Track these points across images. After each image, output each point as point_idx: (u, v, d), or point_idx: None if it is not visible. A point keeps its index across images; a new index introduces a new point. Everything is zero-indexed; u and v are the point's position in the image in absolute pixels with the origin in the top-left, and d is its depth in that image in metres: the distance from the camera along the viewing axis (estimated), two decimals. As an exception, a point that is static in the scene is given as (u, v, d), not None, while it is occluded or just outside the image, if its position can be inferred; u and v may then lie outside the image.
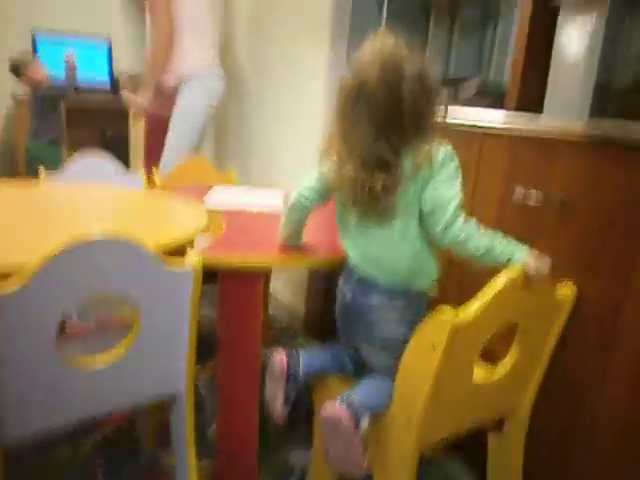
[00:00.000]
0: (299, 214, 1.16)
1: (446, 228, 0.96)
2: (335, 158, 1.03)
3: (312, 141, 2.07)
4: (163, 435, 1.35)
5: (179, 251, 1.04)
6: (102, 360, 0.92)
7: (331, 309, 1.15)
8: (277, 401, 1.11)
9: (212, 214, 1.42)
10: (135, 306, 0.92)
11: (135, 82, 2.88)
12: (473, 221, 0.98)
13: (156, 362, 0.99)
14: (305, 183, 1.13)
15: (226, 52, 2.95)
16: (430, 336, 0.90)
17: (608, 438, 1.07)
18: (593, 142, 1.06)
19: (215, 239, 1.22)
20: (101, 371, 0.92)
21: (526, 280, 0.96)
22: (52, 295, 0.82)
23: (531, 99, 1.29)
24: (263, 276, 1.15)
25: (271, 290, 2.29)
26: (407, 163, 0.98)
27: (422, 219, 1.00)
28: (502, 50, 2.00)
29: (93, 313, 2.09)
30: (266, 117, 2.56)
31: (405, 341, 0.98)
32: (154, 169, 1.99)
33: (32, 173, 1.74)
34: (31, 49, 3.82)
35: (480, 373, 1.05)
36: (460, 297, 0.94)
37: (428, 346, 0.90)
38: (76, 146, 3.17)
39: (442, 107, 1.02)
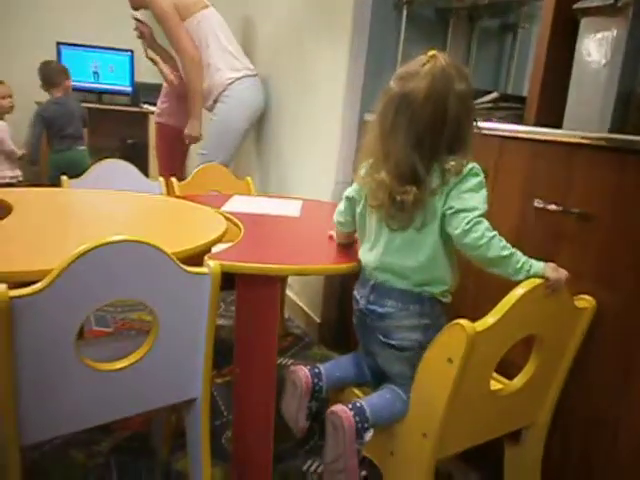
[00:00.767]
0: (342, 231, 1.27)
1: (469, 230, 0.97)
2: (371, 160, 1.06)
3: (330, 153, 2.08)
4: (178, 440, 1.35)
5: (198, 257, 1.06)
6: (121, 364, 0.93)
7: (346, 318, 1.15)
8: (300, 416, 1.12)
9: (231, 219, 1.44)
10: (154, 310, 0.94)
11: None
12: (495, 232, 0.99)
13: (174, 367, 1.00)
14: (338, 208, 1.23)
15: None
16: (446, 349, 0.90)
17: (630, 451, 1.05)
18: (613, 153, 1.05)
19: (233, 244, 1.23)
20: (119, 375, 0.93)
21: (544, 292, 0.95)
22: (72, 299, 0.84)
23: (550, 113, 1.29)
24: (280, 281, 1.16)
25: (287, 292, 2.30)
26: (435, 177, 1.01)
27: (444, 224, 1.01)
28: (521, 61, 2.00)
29: (111, 319, 2.12)
30: (285, 128, 2.58)
31: (421, 347, 0.98)
32: (172, 178, 2.01)
33: (58, 181, 1.78)
34: (56, 59, 3.91)
35: (496, 387, 1.04)
36: (475, 309, 0.94)
37: (444, 360, 0.89)
38: (97, 153, 3.23)
39: (475, 125, 1.06)
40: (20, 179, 3.23)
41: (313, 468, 1.41)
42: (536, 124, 1.28)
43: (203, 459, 1.08)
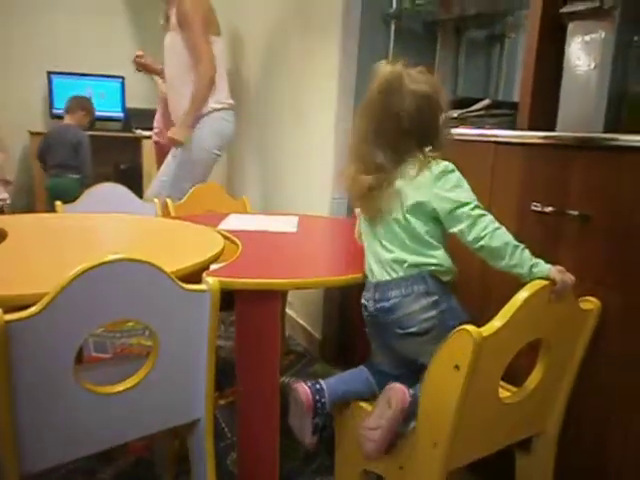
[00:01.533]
0: None
1: (472, 224, 1.00)
2: (349, 163, 1.15)
3: (326, 169, 2.08)
4: (182, 465, 1.32)
5: (196, 275, 1.04)
6: (121, 387, 0.91)
7: (347, 333, 1.14)
8: (306, 433, 1.10)
9: (228, 237, 1.43)
10: (153, 330, 0.92)
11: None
12: (493, 219, 1.01)
13: (176, 387, 0.98)
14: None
15: (238, 81, 3.02)
16: (453, 356, 0.88)
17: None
18: (609, 153, 1.05)
19: (231, 261, 1.22)
20: (120, 398, 0.91)
21: (550, 294, 0.94)
22: (69, 321, 0.82)
23: (543, 117, 1.29)
24: (280, 296, 1.15)
25: (287, 310, 2.28)
26: (407, 170, 1.08)
27: (443, 222, 1.05)
28: (510, 69, 2.02)
29: (110, 345, 2.09)
30: (280, 146, 2.59)
31: (440, 323, 1.04)
32: (167, 199, 2.01)
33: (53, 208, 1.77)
34: (47, 88, 3.93)
35: (503, 394, 1.02)
36: (481, 313, 0.93)
37: (451, 367, 0.88)
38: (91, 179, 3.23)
39: (448, 124, 1.11)
40: (8, 202, 3.27)
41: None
42: (529, 129, 1.28)
43: (209, 482, 1.05)
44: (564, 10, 1.23)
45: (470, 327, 0.85)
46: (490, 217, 1.01)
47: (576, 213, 1.10)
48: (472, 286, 1.20)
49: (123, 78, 4.08)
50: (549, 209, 1.16)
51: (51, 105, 3.95)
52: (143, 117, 3.92)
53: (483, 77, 2.09)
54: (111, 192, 1.88)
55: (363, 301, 1.14)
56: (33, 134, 3.75)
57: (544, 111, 1.30)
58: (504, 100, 1.70)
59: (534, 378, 1.04)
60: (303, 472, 1.43)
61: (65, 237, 1.36)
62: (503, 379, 0.97)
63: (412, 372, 1.08)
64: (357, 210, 1.23)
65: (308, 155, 2.27)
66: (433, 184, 1.05)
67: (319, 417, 1.10)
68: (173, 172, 2.54)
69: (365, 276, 1.15)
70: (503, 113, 1.44)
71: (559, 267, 0.97)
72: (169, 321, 0.94)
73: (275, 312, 1.13)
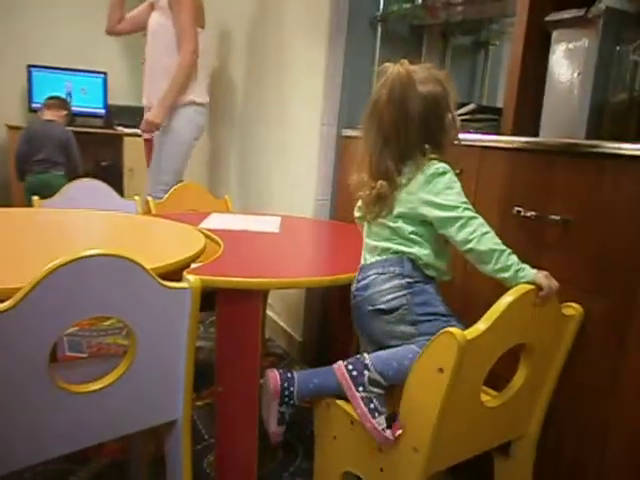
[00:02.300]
0: None
1: (463, 225, 1.00)
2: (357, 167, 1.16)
3: (310, 170, 2.07)
4: (158, 467, 1.30)
5: (177, 273, 1.02)
6: (96, 385, 0.88)
7: (328, 335, 1.13)
8: (271, 419, 1.10)
9: (209, 235, 1.41)
10: (131, 327, 0.90)
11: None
12: (483, 223, 1.01)
13: (153, 386, 0.96)
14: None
15: (223, 79, 2.99)
16: (437, 359, 0.87)
17: (620, 455, 1.04)
18: (591, 159, 1.06)
19: (213, 259, 1.20)
20: (95, 397, 0.88)
21: (535, 300, 0.95)
22: (44, 317, 0.79)
23: (526, 122, 1.30)
24: (261, 296, 1.13)
25: (268, 312, 2.26)
26: (407, 173, 1.08)
27: (433, 224, 1.05)
28: (494, 75, 2.04)
29: (86, 344, 2.05)
30: (264, 146, 2.57)
31: (409, 304, 1.05)
32: (148, 197, 1.98)
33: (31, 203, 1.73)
34: (27, 82, 3.85)
35: (484, 398, 1.02)
36: (464, 316, 0.93)
37: (435, 369, 0.87)
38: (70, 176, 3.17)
39: (453, 129, 1.10)
40: None
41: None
42: (513, 134, 1.29)
43: (185, 484, 1.03)
44: (549, 18, 1.24)
45: (454, 330, 0.85)
46: (480, 220, 1.01)
47: (558, 218, 1.11)
48: (454, 290, 1.20)
49: (105, 74, 4.03)
50: (532, 213, 1.17)
51: (30, 99, 3.88)
52: (125, 114, 3.88)
53: (468, 82, 2.10)
54: (90, 188, 1.84)
55: (351, 289, 1.15)
56: (11, 128, 3.68)
57: (528, 117, 1.31)
58: (488, 105, 1.72)
59: (516, 382, 1.04)
60: (281, 475, 1.41)
61: (42, 233, 1.32)
62: (483, 383, 0.97)
63: None
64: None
65: (292, 156, 2.25)
66: (421, 189, 1.05)
67: (286, 406, 1.10)
68: (157, 166, 2.51)
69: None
70: (487, 118, 1.45)
71: (545, 272, 0.97)
72: (148, 319, 0.91)
73: (256, 312, 1.12)
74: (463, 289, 1.32)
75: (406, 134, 1.06)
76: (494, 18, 1.93)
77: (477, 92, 2.10)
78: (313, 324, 2.07)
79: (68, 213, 1.54)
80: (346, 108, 1.97)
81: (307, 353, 2.09)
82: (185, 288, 0.94)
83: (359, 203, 1.21)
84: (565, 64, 1.24)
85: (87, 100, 4.00)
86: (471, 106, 1.46)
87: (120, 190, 3.75)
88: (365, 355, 1.05)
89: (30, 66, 3.86)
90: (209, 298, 1.08)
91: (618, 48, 1.16)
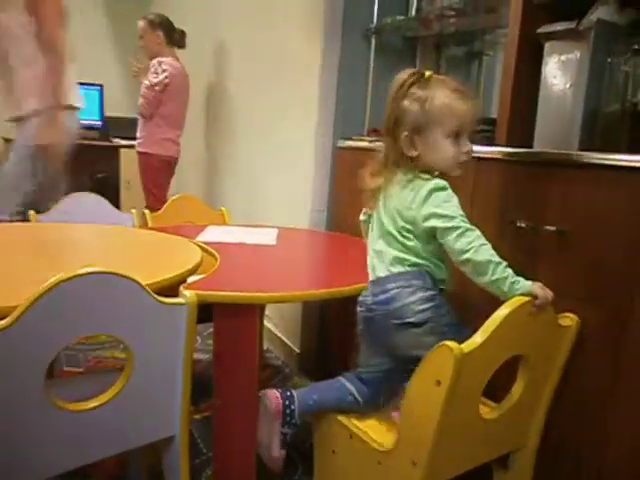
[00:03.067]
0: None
1: (460, 235, 0.99)
2: None
3: (306, 181, 2.08)
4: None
5: (173, 288, 1.02)
6: (93, 403, 0.88)
7: (326, 346, 1.13)
8: (273, 445, 1.09)
9: (206, 249, 1.41)
10: (128, 344, 0.90)
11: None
12: (480, 235, 1.01)
13: (150, 403, 0.96)
14: None
15: (219, 92, 3.01)
16: (434, 372, 0.88)
17: (619, 464, 1.04)
18: (586, 170, 1.07)
19: (209, 273, 1.20)
20: (92, 415, 0.88)
21: (530, 310, 0.95)
22: (40, 336, 0.79)
23: (520, 134, 1.31)
24: (258, 310, 1.13)
25: (266, 323, 2.26)
26: (402, 185, 1.08)
27: (437, 236, 1.04)
28: (488, 86, 2.05)
29: (83, 358, 2.04)
30: (259, 157, 2.58)
31: (435, 316, 1.05)
32: (145, 210, 1.98)
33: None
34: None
35: (483, 410, 1.02)
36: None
37: (432, 382, 0.87)
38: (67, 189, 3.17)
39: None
40: None
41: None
42: (507, 145, 1.30)
43: (183, 501, 1.02)
44: (541, 30, 1.25)
45: (451, 343, 0.85)
46: (477, 232, 1.01)
47: (553, 229, 1.12)
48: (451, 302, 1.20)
49: (101, 86, 4.04)
50: (527, 224, 1.18)
51: (26, 112, 3.87)
52: (121, 126, 3.88)
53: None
54: (86, 202, 1.85)
55: (361, 298, 1.13)
56: (7, 140, 3.68)
57: (521, 128, 1.31)
58: (482, 116, 1.73)
59: (514, 394, 1.04)
60: (280, 488, 1.40)
61: (38, 248, 1.32)
62: (482, 395, 0.98)
63: (402, 369, 1.08)
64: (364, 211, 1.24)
65: (288, 167, 2.26)
66: (423, 204, 1.04)
67: (288, 426, 1.09)
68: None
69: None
70: (482, 129, 1.45)
71: (539, 283, 0.98)
72: (144, 335, 0.91)
73: (254, 326, 1.12)
74: (461, 299, 1.32)
75: (387, 136, 1.09)
76: (487, 29, 1.95)
77: (471, 103, 2.11)
78: (311, 335, 2.07)
79: (64, 227, 1.55)
80: (341, 119, 1.98)
81: (305, 364, 2.09)
82: (181, 304, 0.94)
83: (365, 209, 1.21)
84: (557, 75, 1.25)
85: (83, 112, 4.00)
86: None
87: (117, 202, 3.75)
88: (294, 390, 1.12)
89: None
90: (207, 310, 1.08)
91: (609, 60, 1.17)
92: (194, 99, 3.06)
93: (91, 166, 3.96)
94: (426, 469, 0.91)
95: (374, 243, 1.14)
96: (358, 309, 1.14)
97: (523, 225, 1.18)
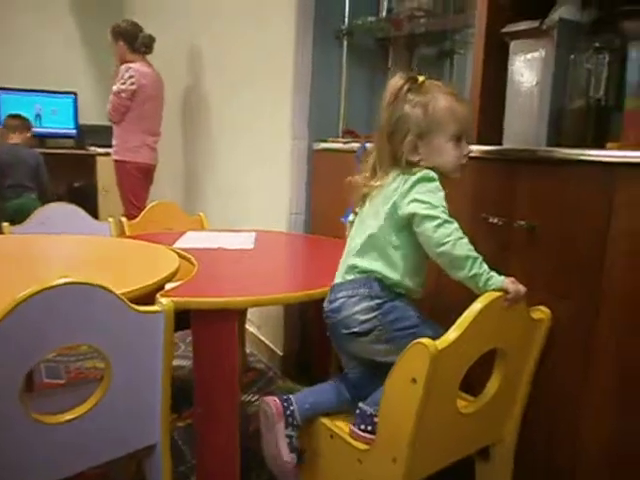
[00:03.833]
0: None
1: (439, 225, 1.00)
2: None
3: (283, 184, 2.08)
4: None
5: (151, 296, 1.02)
6: (70, 415, 0.87)
7: (309, 349, 1.14)
8: (282, 450, 1.08)
9: (184, 255, 1.41)
10: (105, 355, 0.89)
11: None
12: (458, 228, 1.02)
13: (130, 413, 0.96)
14: None
15: (196, 98, 3.00)
16: (410, 369, 0.89)
17: (592, 453, 1.06)
18: (552, 166, 1.10)
19: (186, 280, 1.20)
20: (70, 428, 0.88)
21: (503, 304, 0.97)
22: (15, 347, 0.79)
23: (490, 131, 1.33)
24: (237, 315, 1.13)
25: (248, 326, 2.26)
26: (393, 179, 1.08)
27: (412, 221, 1.04)
28: (460, 84, 2.08)
29: (64, 369, 2.02)
30: (233, 159, 2.58)
31: (381, 324, 1.05)
32: (122, 218, 1.97)
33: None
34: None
35: (461, 404, 1.04)
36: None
37: (408, 380, 0.89)
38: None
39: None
40: None
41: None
42: (478, 142, 1.32)
43: (166, 509, 1.02)
44: (506, 30, 1.28)
45: (425, 340, 0.86)
46: (456, 225, 1.02)
47: (523, 224, 1.14)
48: (425, 299, 1.22)
49: (75, 94, 4.00)
50: (499, 220, 1.20)
51: (-1, 122, 3.83)
52: (97, 133, 3.85)
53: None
54: (62, 212, 1.83)
55: (324, 303, 1.16)
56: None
57: (492, 126, 1.34)
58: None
59: (491, 387, 1.06)
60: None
61: (13, 260, 1.31)
62: (459, 388, 0.99)
63: (372, 372, 1.11)
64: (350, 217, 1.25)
65: (265, 170, 2.26)
66: (409, 190, 1.04)
67: (291, 428, 1.09)
68: None
69: None
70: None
71: (511, 278, 0.99)
72: (121, 344, 0.91)
73: (232, 331, 1.12)
74: (436, 296, 1.34)
75: (393, 140, 1.08)
76: (457, 29, 1.97)
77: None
78: (294, 337, 2.08)
79: (40, 239, 1.53)
80: (316, 121, 2.00)
81: (289, 367, 2.09)
82: (158, 312, 0.94)
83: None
84: (524, 74, 1.28)
85: (58, 121, 3.97)
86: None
87: (95, 211, 3.72)
88: (292, 395, 1.12)
89: (-2, 90, 3.82)
90: (189, 316, 1.08)
91: (572, 57, 1.20)
92: (171, 104, 3.05)
93: (68, 175, 3.93)
94: (406, 465, 0.92)
95: (348, 247, 1.16)
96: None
97: (495, 221, 1.21)
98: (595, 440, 1.05)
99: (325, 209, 1.95)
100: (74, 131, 4.04)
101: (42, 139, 3.95)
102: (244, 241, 1.70)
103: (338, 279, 1.13)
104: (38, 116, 3.86)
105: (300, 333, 2.05)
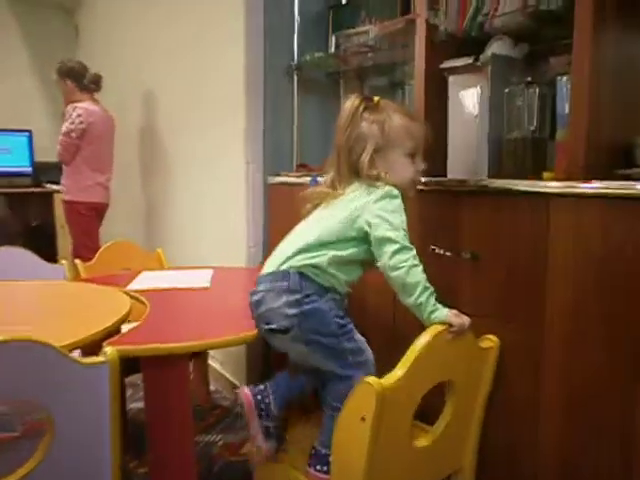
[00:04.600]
0: None
1: (398, 251, 1.02)
2: None
3: (240, 218, 2.08)
4: None
5: (100, 342, 1.00)
6: (14, 478, 0.84)
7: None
8: (257, 436, 1.11)
9: (137, 297, 1.39)
10: (46, 409, 0.86)
11: None
12: (415, 256, 1.03)
13: (77, 467, 0.92)
14: None
15: (147, 133, 2.99)
16: (358, 408, 0.89)
17: (554, 467, 1.08)
18: (491, 197, 1.13)
19: (136, 325, 1.18)
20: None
21: (448, 337, 0.98)
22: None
23: (435, 162, 1.37)
24: (186, 359, 1.12)
25: (212, 362, 2.22)
26: (355, 189, 1.10)
27: (371, 239, 1.05)
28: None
29: (19, 420, 1.94)
30: (191, 194, 2.57)
31: (300, 322, 1.04)
32: (76, 260, 1.93)
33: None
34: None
35: (418, 434, 1.04)
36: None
37: (357, 419, 0.89)
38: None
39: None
40: None
41: None
42: (425, 174, 1.35)
43: None
44: (443, 66, 1.32)
45: (371, 379, 0.87)
46: (414, 252, 1.03)
47: (468, 255, 1.17)
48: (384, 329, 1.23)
49: (30, 132, 3.94)
50: (445, 251, 1.22)
51: (-49, 163, 3.73)
52: (53, 171, 3.78)
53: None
54: (11, 257, 1.78)
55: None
56: None
57: (436, 156, 1.37)
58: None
59: (443, 419, 1.06)
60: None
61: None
62: (417, 418, 0.99)
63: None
64: None
65: (223, 205, 2.26)
66: (375, 201, 1.06)
67: (267, 420, 1.11)
68: None
69: None
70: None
71: (454, 311, 1.01)
72: (64, 399, 0.88)
73: (183, 376, 1.10)
74: (393, 325, 1.35)
75: (351, 155, 1.11)
76: (405, 61, 2.03)
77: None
78: (257, 371, 2.05)
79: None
80: (270, 155, 2.01)
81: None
82: (102, 363, 0.92)
83: None
84: (463, 107, 1.32)
85: (12, 160, 3.89)
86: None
87: (54, 249, 3.64)
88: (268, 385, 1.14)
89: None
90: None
91: (507, 90, 1.25)
92: (125, 141, 3.03)
93: (25, 214, 3.84)
94: (362, 505, 0.91)
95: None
96: None
97: (442, 252, 1.23)
98: (553, 454, 1.07)
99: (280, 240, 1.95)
100: (29, 169, 3.97)
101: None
102: (200, 279, 1.69)
103: (262, 271, 1.14)
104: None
105: (262, 366, 2.02)
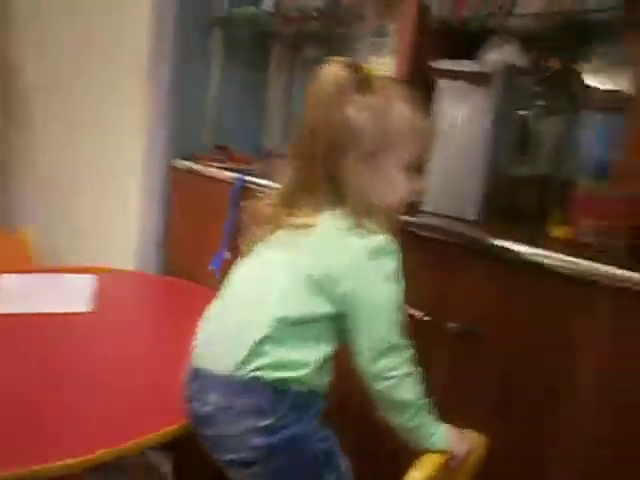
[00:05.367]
0: None
1: (389, 350, 0.70)
2: None
3: (130, 209, 1.64)
4: None
5: None
6: None
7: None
8: None
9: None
10: None
11: None
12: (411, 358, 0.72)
13: None
14: None
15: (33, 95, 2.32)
16: None
17: None
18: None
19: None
20: None
21: (445, 471, 0.72)
22: None
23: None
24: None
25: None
26: (328, 226, 0.73)
27: (348, 316, 0.72)
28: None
29: None
30: (71, 167, 2.02)
31: (271, 453, 0.70)
32: None
33: None
34: None
35: None
36: None
37: None
38: None
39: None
40: None
41: None
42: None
43: None
44: (436, 65, 1.01)
45: None
46: (409, 354, 0.72)
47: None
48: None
49: None
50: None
51: None
52: None
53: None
54: None
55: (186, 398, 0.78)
56: None
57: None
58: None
59: None
60: None
61: None
62: None
63: None
64: None
65: (112, 190, 1.77)
66: (366, 261, 0.71)
67: None
68: None
69: None
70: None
71: (457, 431, 0.74)
72: None
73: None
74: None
75: (316, 161, 0.73)
76: (353, 35, 1.69)
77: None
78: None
79: None
80: (178, 129, 1.59)
81: None
82: None
83: None
84: (453, 123, 1.04)
85: None
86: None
87: None
88: None
89: None
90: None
91: (520, 113, 0.98)
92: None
93: None
94: None
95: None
96: None
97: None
98: None
99: (188, 245, 1.56)
100: None
101: None
102: (77, 296, 1.25)
103: (208, 365, 0.74)
104: None
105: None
